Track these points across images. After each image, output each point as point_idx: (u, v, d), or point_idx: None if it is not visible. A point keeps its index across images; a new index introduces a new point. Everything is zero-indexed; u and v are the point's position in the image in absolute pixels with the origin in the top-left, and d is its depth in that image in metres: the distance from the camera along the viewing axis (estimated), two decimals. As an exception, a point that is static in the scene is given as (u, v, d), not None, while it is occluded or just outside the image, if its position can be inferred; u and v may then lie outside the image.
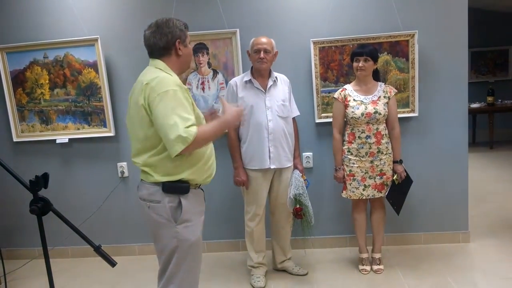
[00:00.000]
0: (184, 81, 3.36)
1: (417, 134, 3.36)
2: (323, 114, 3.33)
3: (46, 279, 1.92)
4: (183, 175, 1.90)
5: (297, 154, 3.05)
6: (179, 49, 1.95)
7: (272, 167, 2.88)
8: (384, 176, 2.94)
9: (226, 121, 1.96)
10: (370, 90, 2.93)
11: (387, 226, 3.22)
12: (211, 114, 2.19)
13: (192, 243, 1.95)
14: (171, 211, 1.91)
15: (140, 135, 1.90)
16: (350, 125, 2.95)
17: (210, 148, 2.04)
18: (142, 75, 1.95)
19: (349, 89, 2.97)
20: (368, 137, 2.89)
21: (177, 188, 1.91)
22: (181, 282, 1.96)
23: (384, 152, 2.92)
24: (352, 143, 2.94)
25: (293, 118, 3.04)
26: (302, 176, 2.99)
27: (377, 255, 3.13)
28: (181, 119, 1.77)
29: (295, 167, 3.02)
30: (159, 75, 1.87)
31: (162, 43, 1.93)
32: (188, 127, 1.77)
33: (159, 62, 1.95)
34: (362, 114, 2.86)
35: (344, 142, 2.99)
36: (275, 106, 2.86)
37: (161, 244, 1.96)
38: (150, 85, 1.82)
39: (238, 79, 2.93)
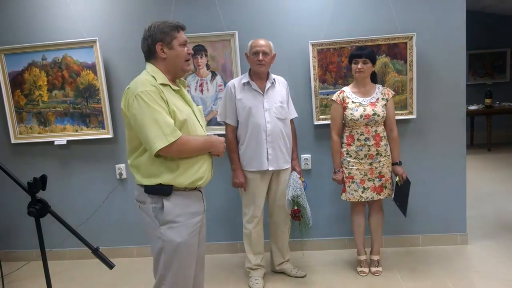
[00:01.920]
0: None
1: (415, 136, 3.36)
2: (321, 116, 3.34)
3: (44, 281, 1.92)
4: (161, 180, 1.92)
5: (295, 156, 3.05)
6: (163, 51, 1.96)
7: (270, 168, 2.88)
8: (383, 178, 2.94)
9: (210, 140, 2.04)
10: (368, 92, 2.94)
11: (385, 228, 3.22)
12: None
13: (178, 245, 1.95)
14: (154, 212, 1.94)
15: (127, 137, 1.99)
16: (349, 127, 2.95)
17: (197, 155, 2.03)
18: None
19: (347, 91, 2.97)
20: (367, 139, 2.90)
21: (158, 190, 1.94)
22: (173, 284, 1.98)
23: (383, 154, 2.92)
24: (351, 145, 2.94)
25: (291, 120, 3.04)
26: (300, 177, 2.99)
27: (375, 257, 3.13)
28: (162, 119, 1.84)
29: (293, 169, 3.02)
30: (139, 78, 1.93)
31: (144, 47, 2.00)
32: (173, 127, 1.85)
33: (148, 65, 2.01)
34: (361, 116, 2.86)
35: (343, 145, 2.99)
36: (273, 108, 2.86)
37: (151, 244, 2.03)
38: (130, 88, 1.90)
39: (236, 81, 2.93)
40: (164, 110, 1.86)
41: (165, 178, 1.92)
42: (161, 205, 1.93)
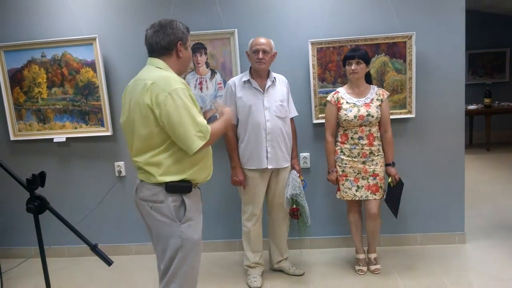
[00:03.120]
0: (182, 81, 3.37)
1: (414, 135, 3.37)
2: (320, 115, 3.34)
3: (43, 278, 1.92)
4: (186, 175, 1.93)
5: (294, 155, 3.06)
6: (180, 50, 1.97)
7: (270, 167, 2.88)
8: (378, 177, 2.94)
9: (228, 119, 2.12)
10: (362, 93, 2.95)
11: (383, 227, 3.23)
12: (204, 113, 2.23)
13: (195, 241, 1.99)
14: (174, 211, 1.92)
15: (143, 134, 1.89)
16: (343, 127, 2.96)
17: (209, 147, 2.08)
18: (142, 74, 1.95)
19: (342, 92, 2.98)
20: (360, 138, 2.91)
21: (180, 188, 1.93)
22: (183, 281, 1.98)
23: (376, 154, 2.93)
24: (345, 143, 2.95)
25: (291, 119, 3.04)
26: (299, 176, 3.00)
27: (372, 255, 3.13)
28: (197, 117, 1.86)
29: (292, 167, 3.03)
30: (164, 74, 1.89)
31: (164, 42, 1.94)
32: (206, 125, 1.89)
33: (159, 61, 1.96)
34: (355, 117, 2.87)
35: (337, 143, 3.00)
36: (273, 107, 2.86)
37: (164, 244, 1.97)
38: (157, 84, 1.83)
39: (237, 79, 2.93)
40: (196, 107, 1.90)
41: (188, 173, 1.93)
42: (179, 203, 1.93)
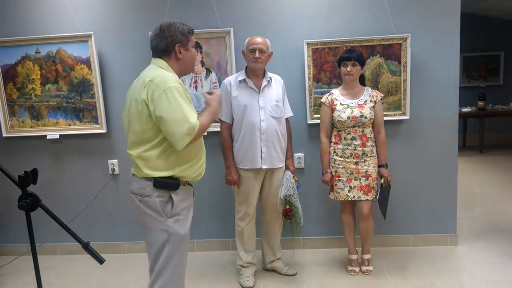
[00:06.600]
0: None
1: (408, 137, 3.38)
2: (315, 115, 3.34)
3: (34, 275, 1.92)
4: (174, 172, 1.97)
5: (289, 155, 3.06)
6: (180, 52, 2.04)
7: (264, 167, 2.88)
8: (370, 178, 2.95)
9: (215, 110, 2.10)
10: (356, 94, 2.96)
11: (376, 228, 3.24)
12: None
13: (182, 237, 2.02)
14: (161, 206, 1.97)
15: (137, 129, 1.97)
16: (337, 128, 2.98)
17: (202, 148, 2.12)
18: (145, 72, 2.03)
19: (336, 93, 3.00)
20: (353, 138, 2.92)
21: (167, 184, 1.98)
22: (171, 276, 2.02)
23: (369, 155, 2.94)
24: (338, 144, 2.97)
25: (286, 119, 3.04)
26: (293, 177, 3.00)
27: (366, 256, 3.15)
28: (189, 114, 1.89)
29: (287, 168, 3.03)
30: (162, 73, 1.96)
31: (162, 45, 2.03)
32: (196, 120, 1.91)
33: (161, 61, 2.05)
34: (348, 118, 2.88)
35: (331, 143, 3.02)
36: (268, 107, 2.86)
37: (152, 238, 2.03)
38: (154, 82, 1.91)
39: (232, 78, 2.93)
40: (189, 105, 1.94)
41: (177, 170, 1.97)
42: (167, 199, 1.98)
